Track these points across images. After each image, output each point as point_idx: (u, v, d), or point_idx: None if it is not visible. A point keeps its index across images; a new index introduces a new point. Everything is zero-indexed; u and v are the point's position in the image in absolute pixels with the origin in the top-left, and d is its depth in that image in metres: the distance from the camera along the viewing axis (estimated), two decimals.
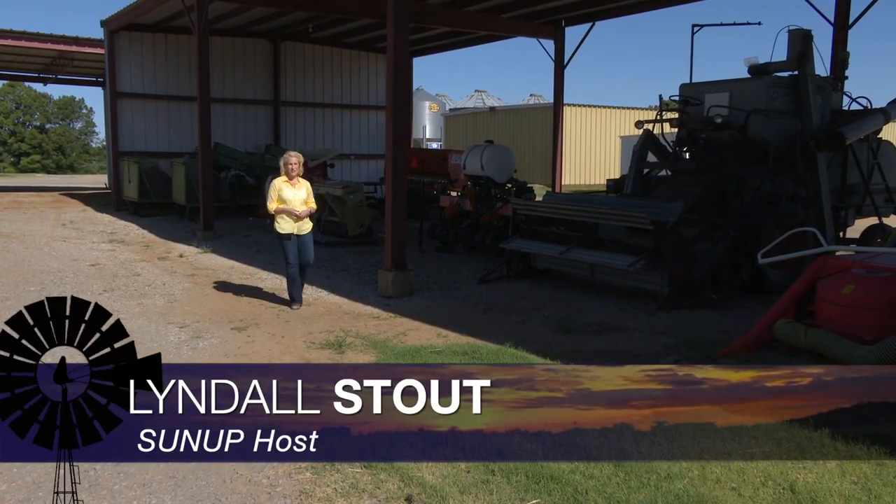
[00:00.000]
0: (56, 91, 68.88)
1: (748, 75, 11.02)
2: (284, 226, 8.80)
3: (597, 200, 11.25)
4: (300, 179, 8.88)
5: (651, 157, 11.80)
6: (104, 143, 47.82)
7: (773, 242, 7.53)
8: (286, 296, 9.76)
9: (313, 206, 8.96)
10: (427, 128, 39.19)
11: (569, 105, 29.90)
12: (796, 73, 10.59)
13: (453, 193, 15.22)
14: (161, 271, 11.49)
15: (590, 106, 33.13)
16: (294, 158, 8.82)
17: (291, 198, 8.77)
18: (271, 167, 19.50)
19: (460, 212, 13.64)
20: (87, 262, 12.29)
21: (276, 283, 10.64)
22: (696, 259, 9.15)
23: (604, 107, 33.52)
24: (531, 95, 54.71)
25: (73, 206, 22.45)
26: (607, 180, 16.30)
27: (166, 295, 9.73)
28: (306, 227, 8.93)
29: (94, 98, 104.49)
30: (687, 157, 11.65)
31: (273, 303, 9.30)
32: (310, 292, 9.98)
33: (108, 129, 23.90)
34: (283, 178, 8.83)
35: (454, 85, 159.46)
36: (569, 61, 19.45)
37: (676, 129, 11.56)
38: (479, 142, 15.44)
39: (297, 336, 7.69)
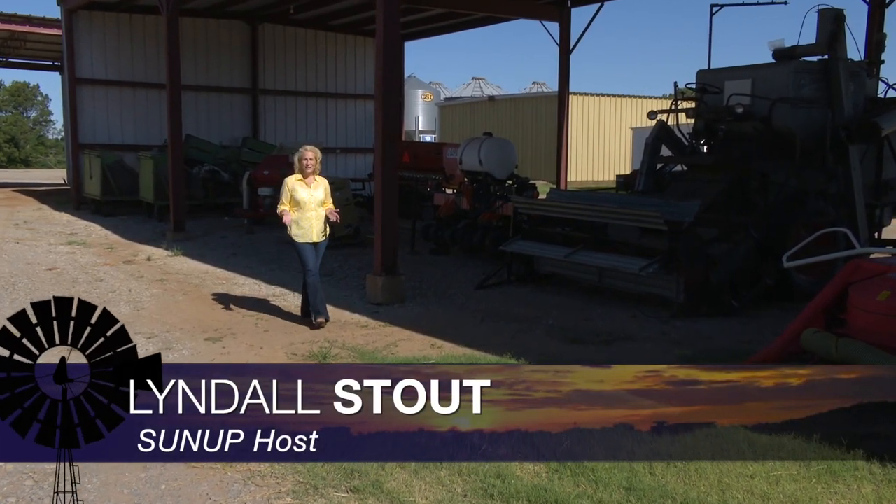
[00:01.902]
0: (7, 76, 68.90)
1: (773, 60, 11.04)
2: (299, 231, 8.41)
3: (606, 198, 11.26)
4: (317, 177, 8.47)
5: (665, 151, 11.82)
6: (62, 134, 47.79)
7: (801, 244, 7.54)
8: (267, 301, 9.74)
9: (331, 207, 8.54)
10: (420, 119, 39.21)
11: (575, 94, 29.93)
12: (826, 57, 10.60)
13: (449, 191, 15.21)
14: (126, 276, 11.46)
15: (598, 95, 33.19)
16: (310, 153, 8.39)
17: (307, 199, 8.36)
18: (249, 161, 19.50)
19: (456, 211, 13.63)
20: (43, 266, 12.25)
21: (254, 288, 10.62)
22: (714, 262, 9.16)
23: (613, 95, 33.59)
24: (534, 83, 54.73)
25: (27, 204, 22.38)
26: (617, 176, 16.36)
27: (132, 302, 9.70)
28: (324, 233, 8.56)
29: (50, 84, 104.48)
30: (705, 150, 11.67)
31: (251, 311, 9.28)
32: (291, 299, 9.96)
33: (66, 118, 23.81)
34: (297, 176, 8.42)
35: (450, 72, 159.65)
36: (575, 45, 19.47)
37: (693, 120, 11.57)
38: (476, 134, 15.43)
39: (278, 347, 7.68)
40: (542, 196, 13.91)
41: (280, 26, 23.29)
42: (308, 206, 8.37)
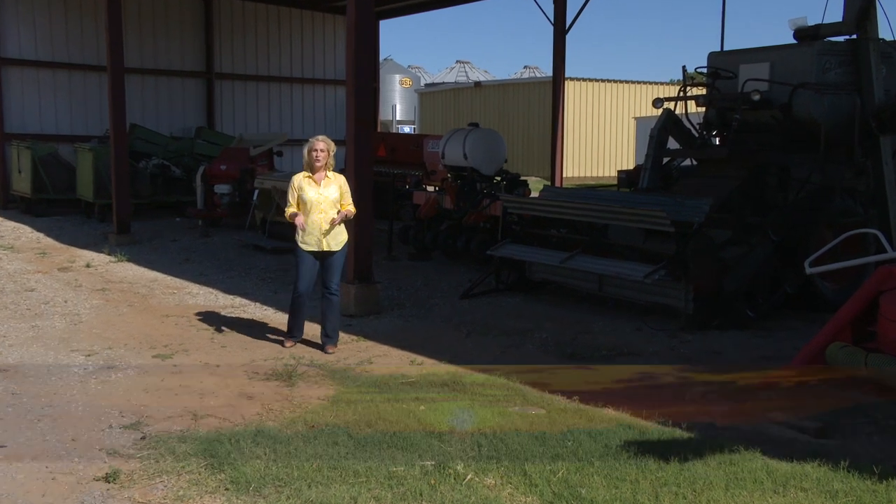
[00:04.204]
0: None
1: (794, 41, 11.11)
2: (306, 238, 8.09)
3: (606, 197, 11.29)
4: (329, 174, 8.13)
5: (673, 144, 11.87)
6: None
7: (825, 248, 7.58)
8: (225, 313, 9.71)
9: (352, 209, 8.22)
10: (398, 107, 39.25)
11: (572, 79, 30.05)
12: (855, 37, 10.67)
13: (430, 188, 15.22)
14: (62, 285, 11.38)
15: (597, 80, 33.34)
16: (321, 144, 8.05)
17: (314, 199, 8.01)
18: (203, 155, 19.41)
19: (439, 211, 13.64)
20: None
21: (209, 299, 10.58)
22: (728, 268, 9.20)
23: (615, 81, 33.75)
24: (525, 68, 55.05)
25: None
26: (619, 172, 16.40)
27: (69, 315, 9.63)
28: (339, 240, 8.20)
29: None
30: (717, 142, 11.72)
31: (206, 324, 9.24)
32: (251, 310, 9.93)
33: None
34: (305, 172, 8.13)
35: (431, 55, 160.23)
36: (572, 25, 19.54)
37: (704, 109, 11.62)
38: (461, 125, 15.44)
39: (237, 365, 7.64)
40: (535, 194, 13.92)
41: (238, 1, 23.23)
42: (316, 207, 8.01)
